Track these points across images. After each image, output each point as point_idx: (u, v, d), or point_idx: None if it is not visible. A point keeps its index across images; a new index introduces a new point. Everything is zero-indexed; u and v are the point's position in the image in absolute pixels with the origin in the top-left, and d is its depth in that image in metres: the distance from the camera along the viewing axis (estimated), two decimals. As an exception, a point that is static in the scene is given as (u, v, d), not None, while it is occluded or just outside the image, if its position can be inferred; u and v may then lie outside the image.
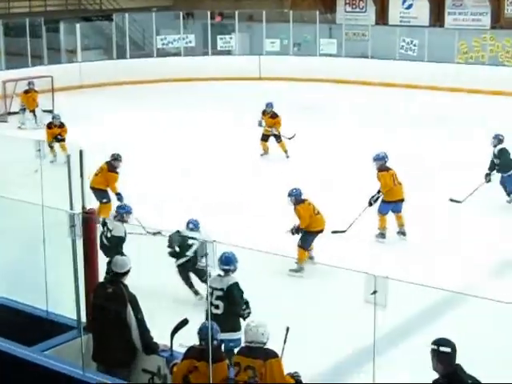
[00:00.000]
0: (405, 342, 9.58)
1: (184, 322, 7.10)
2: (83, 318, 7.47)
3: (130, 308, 7.18)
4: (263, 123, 19.17)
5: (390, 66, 30.05)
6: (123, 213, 11.22)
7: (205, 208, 13.95)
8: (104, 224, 10.76)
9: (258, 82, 30.68)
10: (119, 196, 13.93)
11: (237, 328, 8.57)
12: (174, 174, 17.48)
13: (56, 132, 19.12)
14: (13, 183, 13.71)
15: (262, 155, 19.36)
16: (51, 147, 18.64)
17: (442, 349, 5.86)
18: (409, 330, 10.01)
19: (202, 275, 10.59)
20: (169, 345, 7.11)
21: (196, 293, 10.92)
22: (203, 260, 6.29)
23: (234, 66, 31.42)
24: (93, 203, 7.38)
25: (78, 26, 31.65)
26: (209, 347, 6.43)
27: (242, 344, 6.70)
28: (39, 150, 7.93)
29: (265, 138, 19.36)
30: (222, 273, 8.71)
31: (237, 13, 32.61)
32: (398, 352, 9.13)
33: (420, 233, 13.64)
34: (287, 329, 8.10)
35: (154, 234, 11.06)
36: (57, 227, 7.33)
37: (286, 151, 19.23)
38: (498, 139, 15.41)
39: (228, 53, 33.32)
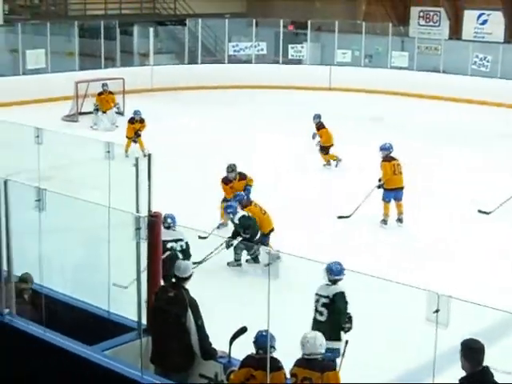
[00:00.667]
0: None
1: (243, 330, 7.11)
2: (144, 321, 7.52)
3: (190, 312, 7.21)
4: (317, 136, 19.10)
5: (462, 81, 29.73)
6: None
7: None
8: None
9: (327, 92, 30.64)
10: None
11: (337, 338, 8.61)
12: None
13: (137, 127, 19.89)
14: (81, 183, 13.88)
15: (324, 165, 19.38)
16: (135, 142, 19.58)
17: (470, 346, 6.07)
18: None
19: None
20: (227, 351, 7.13)
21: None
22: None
23: (305, 75, 31.43)
24: (158, 207, 7.41)
25: (151, 29, 32.01)
26: (267, 356, 6.43)
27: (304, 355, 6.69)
28: (108, 152, 8.01)
29: (323, 149, 19.25)
30: (329, 282, 8.90)
31: (309, 22, 32.63)
32: (458, 371, 9.02)
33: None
34: (346, 342, 8.09)
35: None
36: (122, 229, 7.39)
37: (335, 159, 19.26)
38: None
39: (299, 62, 33.31)
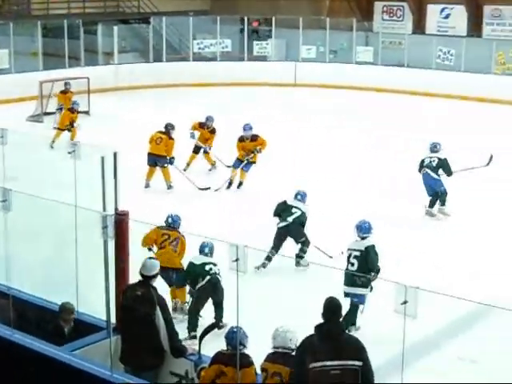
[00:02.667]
0: (434, 354, 9.53)
1: (213, 326, 7.12)
2: (113, 319, 7.50)
3: (158, 310, 7.21)
4: (196, 136, 18.26)
5: (426, 74, 29.92)
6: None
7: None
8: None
9: (293, 89, 30.72)
10: (173, 160, 16.72)
11: (364, 285, 10.04)
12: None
13: (75, 118, 20.80)
14: (47, 183, 13.79)
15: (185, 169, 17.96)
16: (68, 130, 20.55)
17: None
18: (438, 341, 9.96)
19: (298, 238, 12.35)
20: (197, 348, 7.12)
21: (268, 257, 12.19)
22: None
23: (270, 71, 31.45)
24: (124, 205, 7.39)
25: (115, 28, 31.84)
26: (237, 352, 6.43)
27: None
28: (74, 151, 7.96)
29: (196, 150, 18.53)
30: (358, 238, 10.36)
31: (274, 19, 32.67)
32: (428, 363, 9.09)
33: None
34: (371, 289, 8.52)
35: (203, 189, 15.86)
36: (89, 228, 7.37)
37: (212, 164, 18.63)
38: None
39: (264, 59, 33.35)
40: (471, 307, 8.73)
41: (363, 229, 10.40)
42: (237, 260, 5.65)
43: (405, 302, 5.33)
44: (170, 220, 10.97)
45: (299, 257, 12.31)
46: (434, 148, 15.36)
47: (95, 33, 32.58)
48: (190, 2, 35.45)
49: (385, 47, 31.98)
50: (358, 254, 10.21)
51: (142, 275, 7.38)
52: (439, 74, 29.78)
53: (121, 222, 7.11)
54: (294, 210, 12.43)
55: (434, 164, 15.09)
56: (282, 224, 12.38)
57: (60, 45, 30.03)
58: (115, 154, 7.19)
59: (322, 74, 31.10)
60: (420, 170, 15.22)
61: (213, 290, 9.88)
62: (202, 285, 9.93)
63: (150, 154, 16.88)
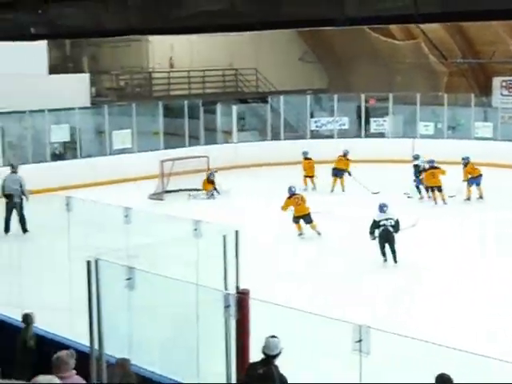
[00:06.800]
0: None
1: None
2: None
3: (279, 389, 7.19)
4: None
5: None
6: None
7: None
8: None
9: (411, 165, 30.47)
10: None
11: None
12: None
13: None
14: (169, 260, 13.99)
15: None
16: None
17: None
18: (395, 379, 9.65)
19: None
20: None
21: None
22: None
23: (387, 148, 31.37)
24: (246, 283, 7.44)
25: (234, 107, 32.50)
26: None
27: None
28: (196, 229, 8.10)
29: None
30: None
31: (391, 96, 32.71)
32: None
33: None
34: None
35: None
36: (211, 306, 7.42)
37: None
38: None
39: (381, 136, 33.33)
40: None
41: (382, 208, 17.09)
42: (360, 341, 5.62)
43: (360, 341, 5.73)
44: (293, 189, 19.87)
45: None
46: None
47: (214, 112, 33.31)
48: (308, 81, 35.94)
49: (504, 122, 31.53)
50: (392, 223, 16.84)
51: (265, 354, 7.37)
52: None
53: (242, 301, 7.14)
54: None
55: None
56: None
57: (180, 124, 30.78)
58: (237, 233, 7.28)
59: (441, 150, 30.76)
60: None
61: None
62: None
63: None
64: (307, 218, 19.34)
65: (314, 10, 6.72)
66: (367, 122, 33.06)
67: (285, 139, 32.57)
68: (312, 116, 33.29)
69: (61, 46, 35.80)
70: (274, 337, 8.12)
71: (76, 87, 30.49)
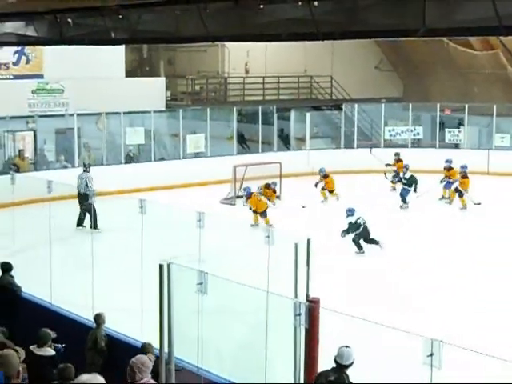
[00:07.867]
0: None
1: None
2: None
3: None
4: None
5: None
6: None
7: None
8: None
9: (485, 177, 30.04)
10: None
11: None
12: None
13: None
14: (240, 266, 14.03)
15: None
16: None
17: None
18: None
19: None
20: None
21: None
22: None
23: (462, 159, 30.92)
24: (316, 292, 7.42)
25: (308, 114, 32.48)
26: None
27: None
28: (268, 236, 8.10)
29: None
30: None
31: (467, 106, 32.28)
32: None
33: None
34: None
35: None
36: (281, 313, 7.42)
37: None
38: None
39: (456, 146, 32.92)
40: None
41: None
42: (431, 355, 5.56)
43: (431, 355, 5.64)
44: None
45: None
46: None
47: (288, 119, 33.31)
48: (383, 89, 35.72)
49: None
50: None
51: (337, 363, 7.36)
52: None
53: (313, 310, 7.12)
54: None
55: None
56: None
57: (254, 130, 30.87)
58: (308, 241, 7.26)
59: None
60: None
61: None
62: None
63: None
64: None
65: (395, 20, 6.67)
66: (442, 132, 32.70)
67: (358, 147, 32.41)
68: (386, 124, 33.06)
69: (138, 50, 36.28)
70: (347, 347, 8.08)
71: (152, 91, 30.85)
